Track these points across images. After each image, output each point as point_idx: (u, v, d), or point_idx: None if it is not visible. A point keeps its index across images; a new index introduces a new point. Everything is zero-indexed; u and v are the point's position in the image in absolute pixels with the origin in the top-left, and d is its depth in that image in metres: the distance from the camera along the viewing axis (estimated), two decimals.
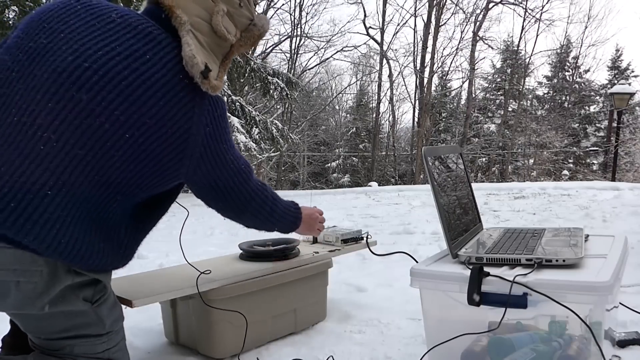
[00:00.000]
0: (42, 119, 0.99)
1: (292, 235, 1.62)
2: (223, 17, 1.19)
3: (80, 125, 1.00)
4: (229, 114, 9.07)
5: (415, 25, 23.34)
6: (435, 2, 18.39)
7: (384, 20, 19.37)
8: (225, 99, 9.16)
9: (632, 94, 11.68)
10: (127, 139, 1.04)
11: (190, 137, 1.11)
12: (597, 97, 22.48)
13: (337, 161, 22.57)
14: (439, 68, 20.62)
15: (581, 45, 21.40)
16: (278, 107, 18.46)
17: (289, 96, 11.16)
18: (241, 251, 1.80)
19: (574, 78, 22.14)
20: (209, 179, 1.22)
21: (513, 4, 19.00)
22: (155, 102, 1.05)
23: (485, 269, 1.15)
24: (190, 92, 1.10)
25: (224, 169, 1.22)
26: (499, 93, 21.84)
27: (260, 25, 1.28)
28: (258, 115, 10.21)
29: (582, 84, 22.46)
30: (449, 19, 23.18)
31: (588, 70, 22.46)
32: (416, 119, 19.72)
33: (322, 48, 20.08)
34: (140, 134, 1.05)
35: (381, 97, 20.84)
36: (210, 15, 1.17)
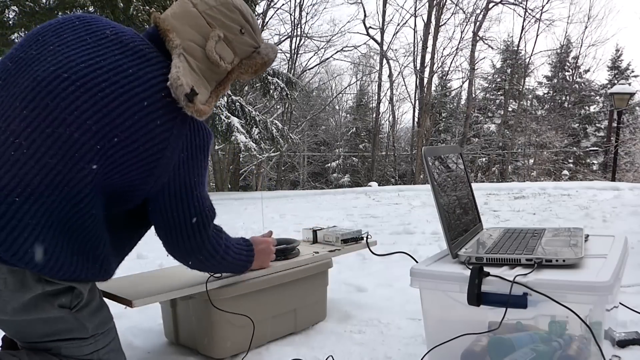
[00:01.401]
0: (16, 125, 0.99)
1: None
2: (218, 42, 1.18)
3: (52, 134, 0.99)
4: (229, 114, 9.11)
5: (415, 25, 23.44)
6: (435, 2, 18.41)
7: (384, 20, 19.43)
8: (225, 98, 9.15)
9: (632, 94, 11.68)
10: (98, 150, 1.02)
11: (162, 158, 1.08)
12: (597, 97, 22.49)
13: (337, 161, 22.58)
14: (439, 68, 20.68)
15: (581, 45, 21.48)
16: (278, 107, 18.47)
17: (289, 96, 11.18)
18: None
19: (574, 78, 22.16)
20: (168, 208, 1.15)
21: (513, 4, 19.05)
22: (129, 115, 1.04)
23: (485, 269, 1.15)
24: (171, 113, 1.08)
25: (187, 204, 1.16)
26: (499, 93, 21.85)
27: (265, 54, 1.26)
28: (258, 115, 10.21)
29: (582, 84, 22.48)
30: (449, 19, 23.29)
31: (588, 70, 22.55)
32: (416, 119, 19.74)
33: (322, 48, 20.16)
34: (111, 146, 1.03)
35: (381, 97, 20.90)
36: (206, 40, 1.17)
